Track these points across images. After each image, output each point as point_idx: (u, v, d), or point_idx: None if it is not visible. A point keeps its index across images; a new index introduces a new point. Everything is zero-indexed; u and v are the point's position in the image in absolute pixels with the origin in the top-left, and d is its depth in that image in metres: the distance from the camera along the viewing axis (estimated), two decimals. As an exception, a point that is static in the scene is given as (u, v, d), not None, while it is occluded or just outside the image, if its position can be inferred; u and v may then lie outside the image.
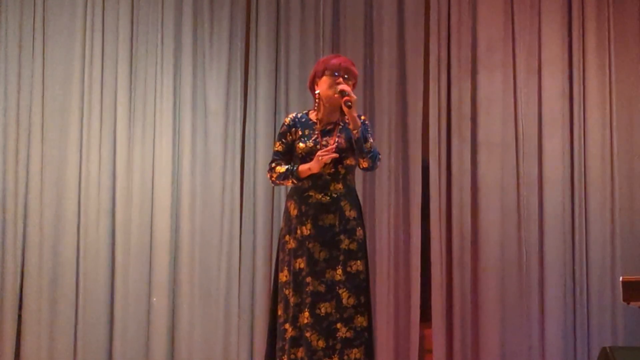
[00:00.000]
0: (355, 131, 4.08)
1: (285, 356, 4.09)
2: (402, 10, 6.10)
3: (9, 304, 5.75)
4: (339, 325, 4.07)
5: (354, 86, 4.22)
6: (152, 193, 5.93)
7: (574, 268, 5.87)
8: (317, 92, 4.25)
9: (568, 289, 5.86)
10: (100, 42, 5.99)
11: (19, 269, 5.79)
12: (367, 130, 4.17)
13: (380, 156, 4.19)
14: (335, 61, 4.24)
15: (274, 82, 6.11)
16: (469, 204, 5.94)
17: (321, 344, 4.05)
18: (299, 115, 4.33)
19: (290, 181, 4.22)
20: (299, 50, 6.10)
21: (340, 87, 4.12)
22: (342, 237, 4.13)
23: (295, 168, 4.18)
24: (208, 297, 5.91)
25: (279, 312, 4.20)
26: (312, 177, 4.18)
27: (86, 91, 5.94)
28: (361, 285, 4.13)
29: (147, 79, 6.01)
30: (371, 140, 4.13)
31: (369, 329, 4.14)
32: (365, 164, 4.13)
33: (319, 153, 4.10)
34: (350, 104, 4.05)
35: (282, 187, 5.93)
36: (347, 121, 4.16)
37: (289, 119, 4.32)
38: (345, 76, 4.19)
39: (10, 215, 5.81)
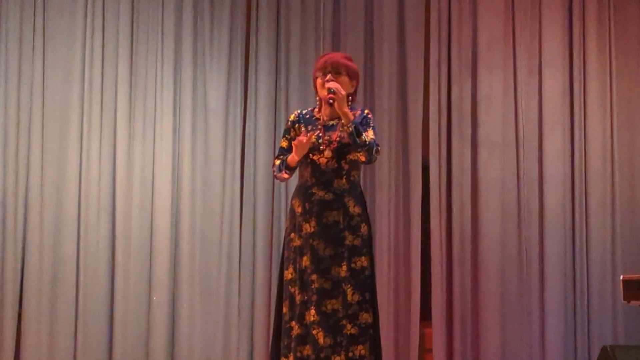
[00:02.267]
0: (346, 126, 4.05)
1: (292, 354, 4.08)
2: (403, 9, 6.10)
3: (9, 302, 5.74)
4: (344, 321, 4.05)
5: (350, 75, 4.20)
6: (152, 192, 5.93)
7: (574, 267, 5.87)
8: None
9: (568, 288, 5.86)
10: (100, 41, 5.99)
11: (19, 267, 5.79)
12: (369, 124, 4.15)
13: (378, 148, 4.13)
14: (321, 61, 4.26)
15: (274, 80, 6.12)
16: (469, 203, 5.94)
17: (328, 341, 4.03)
18: (304, 112, 4.33)
19: (284, 172, 4.23)
20: (299, 49, 6.10)
21: (327, 85, 4.12)
22: (346, 233, 4.12)
23: (285, 159, 4.21)
24: (208, 296, 5.91)
25: (285, 310, 4.18)
26: (315, 173, 4.17)
27: (86, 90, 5.94)
28: (366, 282, 4.11)
29: (148, 77, 6.01)
30: (368, 134, 4.10)
31: (374, 325, 4.12)
32: (362, 157, 4.10)
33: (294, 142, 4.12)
34: (331, 102, 4.04)
35: (282, 186, 5.95)
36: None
37: (293, 115, 4.33)
38: (331, 71, 4.18)
39: (11, 214, 5.81)
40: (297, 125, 4.28)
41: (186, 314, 5.87)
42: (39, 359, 5.73)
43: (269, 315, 5.91)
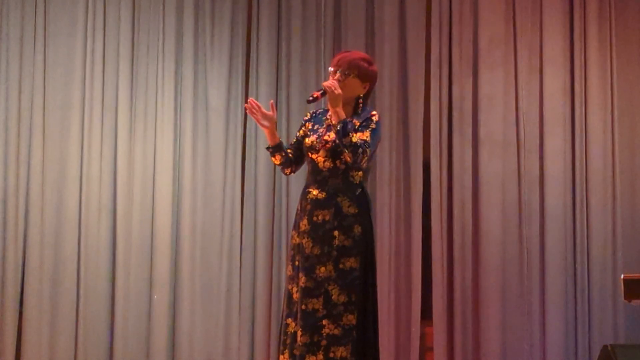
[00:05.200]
0: (334, 125, 4.03)
1: (287, 350, 4.06)
2: (404, 7, 6.10)
3: (10, 300, 5.75)
4: (325, 321, 3.99)
5: (361, 77, 4.16)
6: (153, 190, 5.94)
7: (575, 266, 5.86)
8: None
9: (569, 287, 5.85)
10: (101, 40, 5.99)
11: (20, 265, 5.80)
12: (368, 126, 4.09)
13: (365, 149, 4.00)
14: (337, 57, 4.23)
15: (275, 79, 6.12)
16: (470, 202, 5.94)
17: (304, 339, 3.97)
18: (319, 111, 4.31)
19: (271, 156, 4.25)
20: (300, 48, 6.10)
21: (323, 83, 4.10)
22: (335, 233, 4.05)
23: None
24: (209, 294, 5.92)
25: (283, 306, 4.18)
26: (313, 173, 4.16)
27: (87, 89, 5.95)
28: (354, 283, 4.02)
29: (149, 76, 6.02)
30: (362, 134, 4.04)
31: (358, 328, 4.02)
32: (348, 157, 4.03)
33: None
34: (311, 99, 4.03)
35: (284, 184, 5.97)
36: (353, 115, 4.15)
37: (309, 113, 4.33)
38: (331, 69, 4.17)
39: (12, 212, 5.82)
40: (308, 123, 4.28)
41: (187, 313, 5.88)
42: (40, 357, 5.74)
43: (269, 314, 5.91)
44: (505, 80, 6.01)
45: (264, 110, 4.19)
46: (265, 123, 4.18)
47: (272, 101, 4.27)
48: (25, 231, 5.83)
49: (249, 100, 4.22)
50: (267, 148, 4.26)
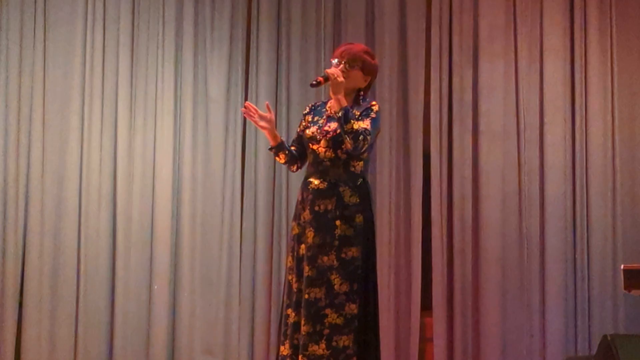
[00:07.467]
0: (336, 112, 4.05)
1: (288, 341, 4.08)
2: (404, -2, 6.10)
3: (10, 292, 5.75)
4: (327, 311, 4.01)
5: (364, 70, 4.18)
6: (153, 181, 5.94)
7: (575, 256, 5.87)
8: None
9: (569, 277, 5.85)
10: (101, 31, 5.98)
11: (20, 257, 5.79)
12: (369, 115, 4.11)
13: (366, 137, 4.03)
14: (340, 49, 4.25)
15: (275, 70, 6.11)
16: (470, 193, 5.93)
17: (306, 329, 4.00)
18: (318, 103, 4.34)
19: (274, 156, 4.28)
20: (300, 39, 6.10)
21: (325, 70, 4.12)
22: (337, 222, 4.07)
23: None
24: (209, 285, 5.92)
25: (284, 297, 4.19)
26: (314, 163, 4.18)
27: (87, 79, 5.95)
28: (355, 272, 4.05)
29: (149, 67, 6.01)
30: (362, 122, 4.06)
31: (360, 317, 4.05)
32: (348, 145, 4.05)
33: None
34: (315, 83, 4.06)
35: (283, 175, 5.97)
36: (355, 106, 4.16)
37: (308, 106, 4.35)
38: (334, 61, 4.18)
39: (12, 203, 5.81)
40: (307, 116, 4.29)
41: (187, 303, 5.88)
42: (40, 348, 5.75)
43: (269, 305, 5.92)
44: (506, 71, 6.01)
45: (260, 112, 4.22)
46: (263, 124, 4.22)
47: (267, 102, 4.30)
48: (25, 222, 5.82)
49: (245, 103, 4.27)
50: (270, 149, 4.29)
